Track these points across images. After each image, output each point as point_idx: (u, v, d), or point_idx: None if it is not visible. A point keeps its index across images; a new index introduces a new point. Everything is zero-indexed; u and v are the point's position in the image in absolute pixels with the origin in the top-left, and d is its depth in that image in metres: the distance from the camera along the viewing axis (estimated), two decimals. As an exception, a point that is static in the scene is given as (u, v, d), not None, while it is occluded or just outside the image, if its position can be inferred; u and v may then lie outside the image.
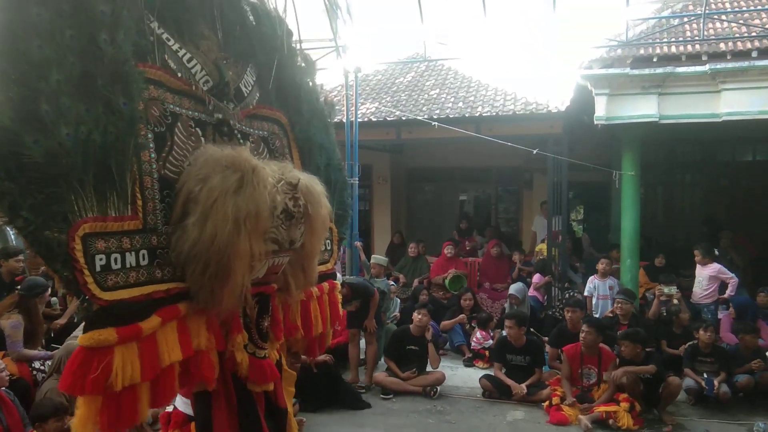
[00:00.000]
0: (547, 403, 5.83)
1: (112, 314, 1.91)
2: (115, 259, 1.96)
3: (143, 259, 2.07)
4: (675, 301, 6.96)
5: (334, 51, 8.16)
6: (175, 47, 2.32)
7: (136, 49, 2.10)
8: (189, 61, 2.37)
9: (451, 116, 8.72)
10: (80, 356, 1.86)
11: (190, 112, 2.38)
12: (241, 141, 2.63)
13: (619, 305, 6.90)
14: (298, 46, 3.08)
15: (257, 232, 2.18)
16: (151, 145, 2.16)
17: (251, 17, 2.77)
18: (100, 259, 1.91)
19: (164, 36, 2.29)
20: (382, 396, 6.21)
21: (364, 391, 6.31)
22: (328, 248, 3.22)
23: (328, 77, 10.93)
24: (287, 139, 3.00)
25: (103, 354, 1.87)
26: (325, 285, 3.16)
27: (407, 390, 6.27)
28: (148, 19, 2.20)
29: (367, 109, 9.61)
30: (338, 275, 6.21)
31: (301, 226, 2.42)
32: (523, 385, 6.06)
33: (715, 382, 5.80)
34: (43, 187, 1.80)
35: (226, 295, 2.17)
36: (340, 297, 3.35)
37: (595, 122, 7.31)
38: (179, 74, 2.33)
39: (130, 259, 2.02)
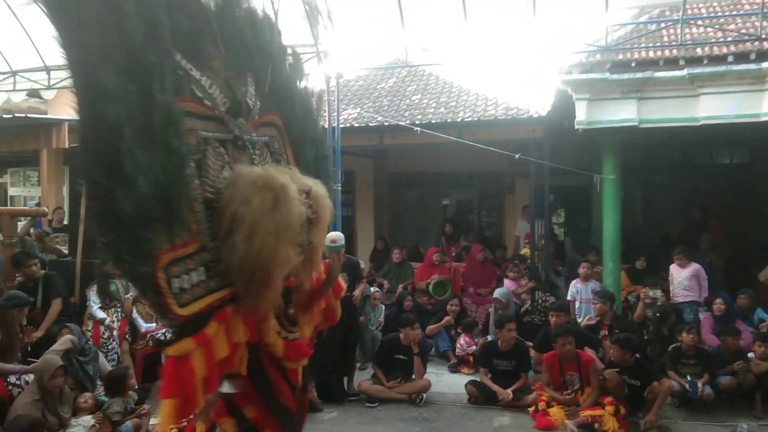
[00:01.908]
0: (533, 408, 5.81)
1: (188, 326, 2.23)
2: (186, 280, 2.27)
3: (202, 274, 2.37)
4: (659, 304, 7.00)
5: (316, 56, 8.15)
6: (197, 76, 2.49)
7: (174, 88, 2.27)
8: (210, 87, 2.56)
9: (433, 121, 8.70)
10: (172, 365, 2.18)
11: (215, 134, 2.57)
12: (251, 150, 2.82)
13: (596, 305, 6.94)
14: (286, 46, 3.25)
15: (292, 241, 2.48)
16: (195, 173, 2.41)
17: (249, 26, 2.88)
18: (176, 283, 2.21)
19: (188, 67, 2.45)
20: (367, 404, 6.15)
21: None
22: None
23: (310, 83, 10.86)
24: (282, 139, 3.17)
25: (186, 360, 2.19)
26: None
27: (393, 398, 6.21)
28: (174, 55, 2.34)
29: (349, 114, 9.57)
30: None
31: (313, 227, 2.71)
32: (509, 391, 6.04)
33: (699, 384, 5.84)
34: (133, 232, 2.06)
35: (268, 298, 2.51)
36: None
37: (576, 127, 7.36)
38: (205, 101, 2.51)
39: (195, 276, 2.32)
